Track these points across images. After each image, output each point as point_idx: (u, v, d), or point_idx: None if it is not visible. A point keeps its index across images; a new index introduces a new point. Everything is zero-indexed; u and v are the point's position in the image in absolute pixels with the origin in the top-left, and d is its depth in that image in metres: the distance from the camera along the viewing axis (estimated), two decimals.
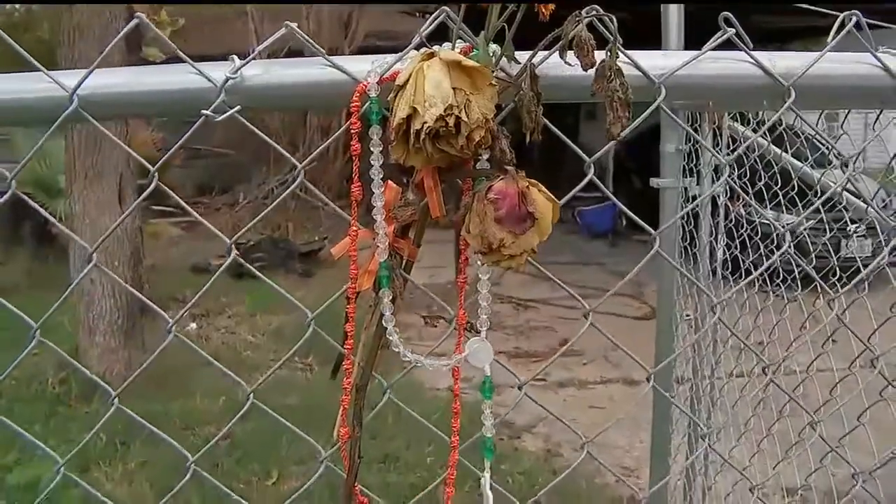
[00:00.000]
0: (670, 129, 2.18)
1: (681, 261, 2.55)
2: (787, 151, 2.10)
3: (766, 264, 0.96)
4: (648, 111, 0.72)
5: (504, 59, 0.67)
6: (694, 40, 0.75)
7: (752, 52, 0.73)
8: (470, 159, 0.67)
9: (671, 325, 2.65)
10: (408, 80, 0.64)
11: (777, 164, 2.27)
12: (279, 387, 4.77)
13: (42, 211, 0.92)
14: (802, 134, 2.06)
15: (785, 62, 0.75)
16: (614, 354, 4.90)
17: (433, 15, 0.69)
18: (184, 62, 0.70)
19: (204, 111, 0.69)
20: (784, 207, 2.21)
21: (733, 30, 0.72)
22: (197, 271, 6.92)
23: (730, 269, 2.54)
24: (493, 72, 0.65)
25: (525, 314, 6.09)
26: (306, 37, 0.69)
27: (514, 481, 3.67)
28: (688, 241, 2.54)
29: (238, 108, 0.70)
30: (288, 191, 0.99)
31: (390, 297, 0.71)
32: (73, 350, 4.14)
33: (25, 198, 0.81)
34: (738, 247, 2.52)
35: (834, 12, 0.80)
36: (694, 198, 2.49)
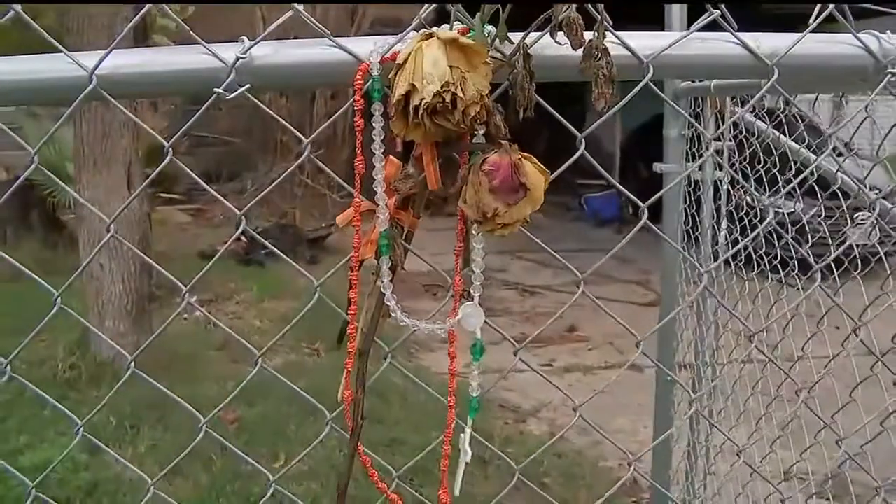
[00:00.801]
0: (673, 114, 2.21)
1: (683, 245, 2.58)
2: (796, 140, 2.11)
3: (747, 248, 0.98)
4: (637, 89, 0.76)
5: (498, 39, 0.70)
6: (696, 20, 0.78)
7: (738, 33, 0.77)
8: (466, 134, 0.71)
9: (674, 310, 2.68)
10: (407, 58, 0.67)
11: (777, 150, 2.29)
12: (287, 372, 4.83)
13: (63, 185, 0.96)
14: (803, 120, 2.09)
15: (770, 42, 0.78)
16: (620, 341, 4.94)
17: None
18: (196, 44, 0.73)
19: (216, 89, 0.73)
20: (789, 194, 2.24)
21: (718, 11, 0.75)
22: (204, 257, 6.98)
23: (733, 255, 2.57)
24: (487, 51, 0.69)
25: (531, 300, 6.13)
26: (312, 19, 0.73)
27: (519, 464, 3.72)
28: (690, 224, 2.56)
29: (248, 86, 0.74)
30: (295, 165, 1.03)
31: (390, 265, 0.75)
32: (83, 335, 4.20)
33: (50, 173, 0.84)
34: (739, 231, 2.55)
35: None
36: (696, 182, 2.52)
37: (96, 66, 0.73)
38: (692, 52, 0.77)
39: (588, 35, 0.73)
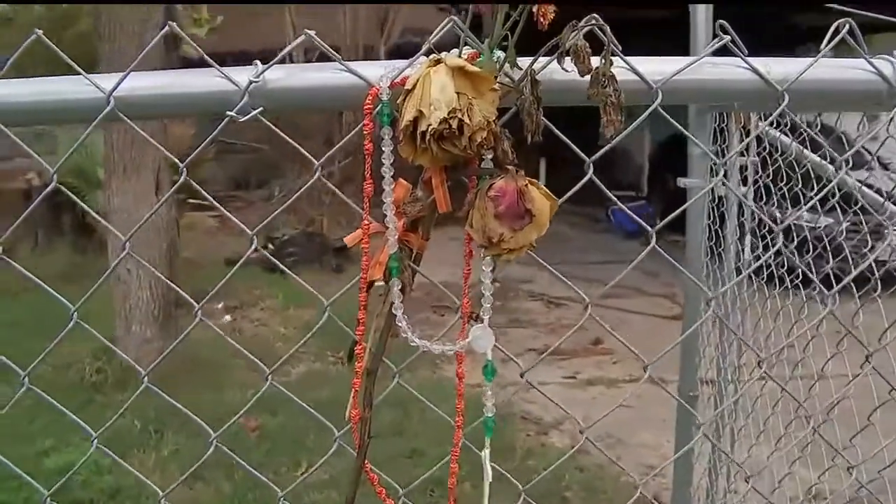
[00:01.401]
0: (698, 129, 2.20)
1: (707, 260, 2.57)
2: (824, 156, 2.09)
3: (770, 265, 0.98)
4: (646, 114, 0.76)
5: (507, 64, 0.71)
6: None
7: (748, 58, 0.77)
8: (474, 159, 0.72)
9: (696, 325, 2.66)
10: (416, 84, 0.68)
11: (801, 165, 2.26)
12: (311, 380, 4.86)
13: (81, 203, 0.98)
14: (830, 133, 2.06)
15: (781, 67, 0.78)
16: (645, 354, 4.89)
17: (442, 24, 0.73)
18: (210, 66, 0.75)
19: (229, 112, 0.74)
20: (812, 208, 2.21)
21: (728, 37, 0.75)
22: (231, 264, 7.05)
23: (756, 271, 2.54)
24: (495, 77, 0.70)
25: (556, 312, 6.11)
26: (324, 45, 0.74)
27: (539, 476, 3.71)
28: (713, 240, 2.55)
29: (261, 109, 0.75)
30: (305, 186, 1.04)
31: (399, 287, 0.76)
32: (110, 339, 4.27)
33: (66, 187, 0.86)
34: (762, 247, 2.53)
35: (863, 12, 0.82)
36: (720, 198, 2.50)
37: (114, 89, 0.75)
38: (703, 76, 0.77)
39: (596, 61, 0.74)
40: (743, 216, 2.53)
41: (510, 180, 0.68)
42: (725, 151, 2.35)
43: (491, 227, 0.68)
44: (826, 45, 0.77)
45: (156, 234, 4.31)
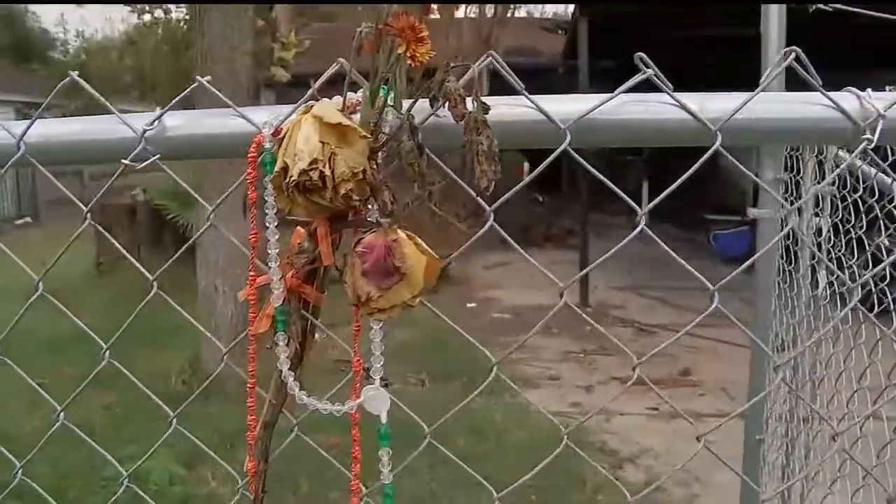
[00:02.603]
0: (769, 156, 2.05)
1: (785, 287, 2.42)
2: None
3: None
4: (553, 156, 0.69)
5: (391, 111, 0.66)
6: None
7: (676, 94, 0.68)
8: (360, 210, 0.67)
9: (765, 360, 2.50)
10: (286, 133, 0.65)
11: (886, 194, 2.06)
12: (397, 399, 4.88)
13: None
14: None
15: (717, 104, 0.69)
16: (734, 388, 4.62)
17: (330, 68, 0.69)
18: (111, 113, 0.74)
19: (123, 160, 0.73)
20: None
21: (651, 70, 0.67)
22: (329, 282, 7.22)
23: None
24: (375, 123, 0.65)
25: (646, 339, 5.87)
26: (215, 90, 0.72)
27: None
28: (780, 276, 2.38)
29: (157, 156, 0.74)
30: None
31: (285, 341, 0.72)
32: (196, 354, 4.44)
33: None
34: (841, 280, 2.32)
35: None
36: (792, 230, 2.34)
37: (23, 134, 0.76)
38: (625, 115, 0.69)
39: (506, 101, 0.68)
40: (820, 248, 2.35)
41: (380, 235, 0.63)
42: (799, 181, 2.19)
43: (358, 285, 0.63)
44: (767, 79, 0.68)
45: (243, 253, 4.46)
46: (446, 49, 12.69)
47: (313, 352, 0.79)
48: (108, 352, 0.95)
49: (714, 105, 0.69)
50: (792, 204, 2.33)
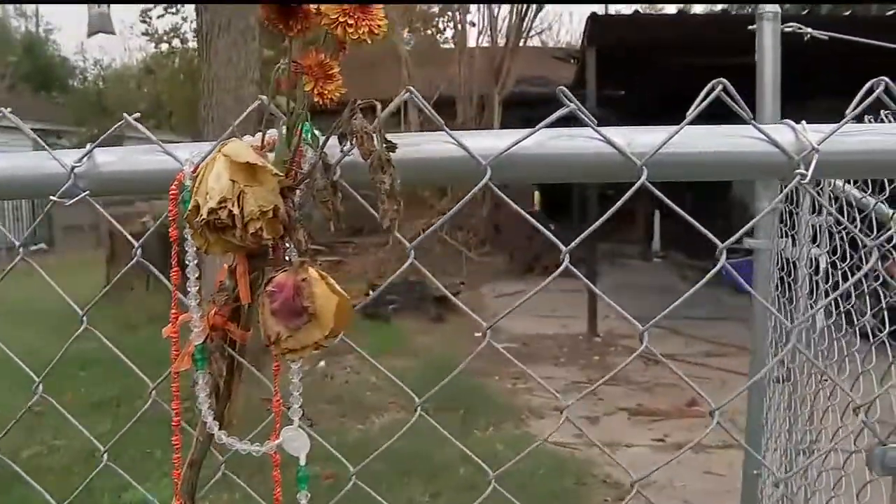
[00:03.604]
0: (763, 186, 2.03)
1: (772, 327, 2.39)
2: None
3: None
4: (474, 190, 0.68)
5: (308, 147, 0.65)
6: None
7: (602, 129, 0.67)
8: (278, 248, 0.66)
9: (762, 391, 2.48)
10: (201, 171, 0.64)
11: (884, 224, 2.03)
12: (392, 430, 4.84)
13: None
14: None
15: (645, 138, 0.68)
16: (742, 418, 4.53)
17: (254, 104, 0.69)
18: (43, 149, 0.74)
19: (52, 197, 0.72)
20: None
21: (573, 105, 0.66)
22: None
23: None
24: (289, 161, 0.64)
25: (654, 369, 5.80)
26: (142, 127, 0.72)
27: None
28: (776, 305, 2.35)
29: (87, 193, 0.73)
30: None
31: (206, 380, 0.70)
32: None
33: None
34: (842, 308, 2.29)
35: None
36: (787, 260, 2.31)
37: None
38: (549, 151, 0.68)
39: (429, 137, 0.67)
40: (817, 275, 2.31)
41: (291, 274, 0.62)
42: (792, 210, 2.17)
43: (268, 325, 0.62)
44: (694, 109, 0.66)
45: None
46: (458, 78, 12.81)
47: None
48: (40, 385, 0.94)
49: (643, 139, 0.68)
50: (786, 235, 2.30)
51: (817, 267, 2.25)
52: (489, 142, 0.67)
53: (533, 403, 5.29)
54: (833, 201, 2.18)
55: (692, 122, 0.67)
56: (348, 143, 0.61)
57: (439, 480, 4.12)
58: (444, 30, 15.93)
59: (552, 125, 0.67)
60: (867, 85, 0.70)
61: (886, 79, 0.69)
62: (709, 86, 0.66)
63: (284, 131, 0.64)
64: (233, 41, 4.48)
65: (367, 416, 5.06)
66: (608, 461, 4.29)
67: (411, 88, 0.65)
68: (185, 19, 14.67)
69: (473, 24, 14.18)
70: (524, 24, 13.16)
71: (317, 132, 0.67)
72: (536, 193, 11.64)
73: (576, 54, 11.55)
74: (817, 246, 2.20)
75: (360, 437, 4.67)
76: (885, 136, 0.70)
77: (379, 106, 0.60)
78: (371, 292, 7.42)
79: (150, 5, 14.92)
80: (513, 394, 5.50)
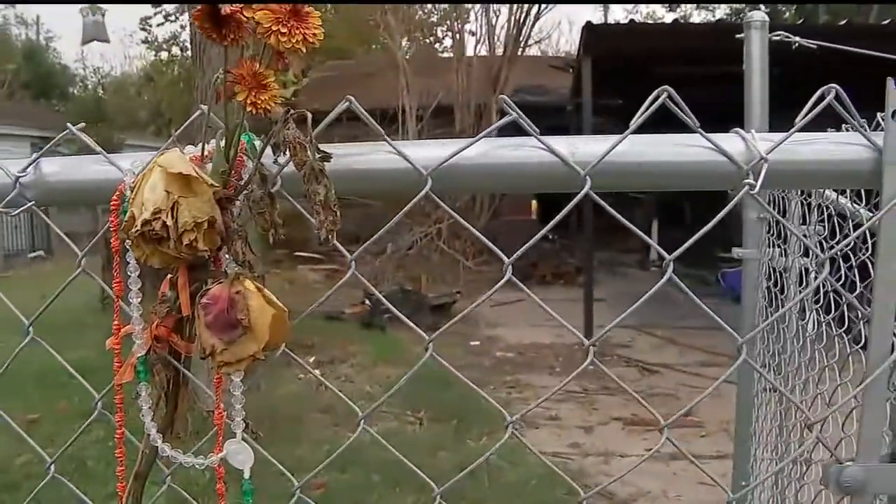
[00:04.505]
0: (751, 196, 2.02)
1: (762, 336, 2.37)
2: None
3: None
4: (413, 201, 0.67)
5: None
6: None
7: (545, 138, 0.66)
8: (218, 259, 0.65)
9: (750, 401, 2.46)
10: (138, 182, 0.63)
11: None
12: (387, 438, 4.81)
13: None
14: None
15: (589, 147, 0.67)
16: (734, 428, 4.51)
17: (195, 114, 0.68)
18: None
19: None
20: None
21: (514, 114, 0.65)
22: (329, 319, 7.19)
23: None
24: (227, 172, 0.63)
25: (649, 379, 5.78)
26: (88, 138, 0.71)
27: None
28: (763, 316, 2.34)
29: (32, 203, 0.73)
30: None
31: (148, 391, 0.69)
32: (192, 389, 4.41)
33: None
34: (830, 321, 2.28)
35: None
36: (775, 270, 2.30)
37: None
38: (492, 160, 0.67)
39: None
40: (804, 286, 2.30)
41: (226, 286, 0.61)
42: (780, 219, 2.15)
43: (203, 338, 0.61)
44: (638, 118, 0.65)
45: None
46: (457, 86, 12.83)
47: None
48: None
49: (586, 148, 0.67)
50: (773, 245, 2.29)
51: (803, 277, 2.24)
52: (433, 151, 0.67)
53: (528, 413, 5.27)
54: (822, 210, 2.17)
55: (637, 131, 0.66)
56: (281, 154, 0.60)
57: (431, 489, 4.10)
58: (443, 38, 15.99)
59: (500, 134, 0.66)
60: (818, 92, 0.69)
61: (836, 86, 0.68)
62: (654, 94, 0.65)
63: (222, 142, 0.64)
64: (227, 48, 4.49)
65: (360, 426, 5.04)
66: (602, 471, 4.27)
67: (351, 98, 0.65)
68: (183, 28, 14.74)
69: (472, 34, 14.18)
70: (522, 34, 13.18)
71: (257, 143, 0.66)
72: (534, 202, 11.64)
73: (573, 63, 11.57)
74: (804, 256, 2.19)
75: (353, 445, 4.64)
76: (837, 145, 0.70)
77: (309, 116, 0.59)
78: (367, 302, 7.41)
79: (150, 14, 14.99)
80: (507, 403, 5.47)
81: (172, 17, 15.22)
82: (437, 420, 5.18)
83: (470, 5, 13.73)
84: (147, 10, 15.92)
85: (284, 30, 0.57)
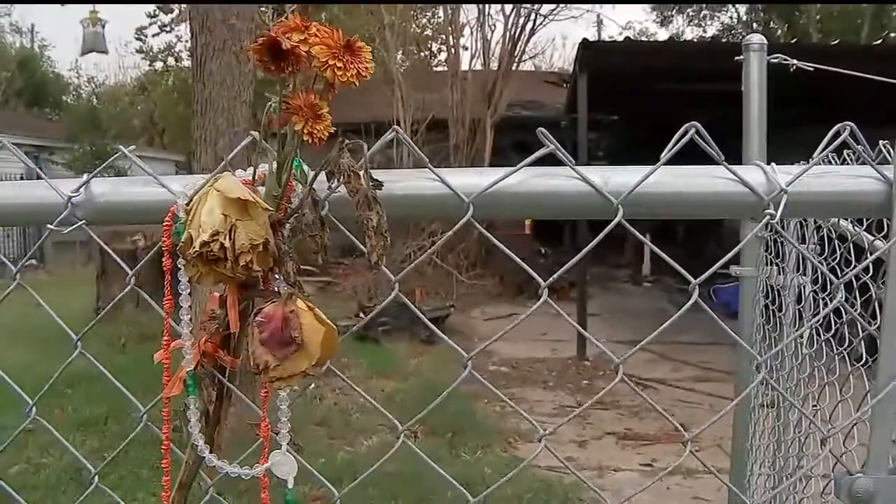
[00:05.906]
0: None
1: (764, 345, 2.41)
2: None
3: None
4: (456, 227, 0.70)
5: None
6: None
7: (580, 168, 0.70)
8: (267, 279, 0.69)
9: (746, 417, 2.49)
10: (194, 205, 0.66)
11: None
12: (381, 453, 4.83)
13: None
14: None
15: (620, 177, 0.71)
16: (730, 444, 4.55)
17: (246, 139, 0.71)
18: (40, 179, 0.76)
19: (49, 225, 0.75)
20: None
21: (552, 146, 0.69)
22: None
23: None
24: (279, 196, 0.67)
25: (644, 394, 5.82)
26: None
27: None
28: (760, 333, 2.37)
29: (83, 222, 0.76)
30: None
31: (196, 404, 0.73)
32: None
33: None
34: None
35: None
36: (773, 288, 2.34)
37: None
38: (530, 189, 0.71)
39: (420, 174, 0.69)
40: (801, 304, 2.34)
41: (279, 306, 0.64)
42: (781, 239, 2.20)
43: (257, 354, 0.64)
44: (667, 153, 0.69)
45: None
46: (451, 101, 12.90)
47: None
48: (33, 409, 0.95)
49: (618, 178, 0.71)
50: (770, 263, 2.33)
51: (800, 295, 2.28)
52: (472, 179, 0.70)
53: (522, 427, 5.29)
54: (817, 231, 2.22)
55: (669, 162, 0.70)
56: (336, 181, 0.63)
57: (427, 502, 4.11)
58: (438, 53, 16.09)
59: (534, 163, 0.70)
60: (834, 129, 0.74)
61: (852, 124, 0.73)
62: (682, 129, 0.69)
63: (275, 167, 0.67)
64: (227, 63, 4.52)
65: (356, 438, 5.05)
66: (596, 485, 4.30)
67: (398, 128, 0.68)
68: (179, 38, 14.76)
69: (466, 48, 14.27)
70: (517, 49, 13.28)
71: (305, 168, 0.70)
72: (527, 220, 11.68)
73: (568, 78, 11.68)
74: (802, 274, 2.23)
75: (348, 459, 4.66)
76: (852, 178, 0.74)
77: (366, 146, 0.63)
78: (362, 314, 7.43)
79: (146, 24, 15.02)
80: (501, 417, 5.49)
81: (168, 28, 15.26)
82: (433, 433, 5.20)
83: (465, 20, 13.83)
84: (144, 20, 15.99)
85: (340, 64, 0.61)
